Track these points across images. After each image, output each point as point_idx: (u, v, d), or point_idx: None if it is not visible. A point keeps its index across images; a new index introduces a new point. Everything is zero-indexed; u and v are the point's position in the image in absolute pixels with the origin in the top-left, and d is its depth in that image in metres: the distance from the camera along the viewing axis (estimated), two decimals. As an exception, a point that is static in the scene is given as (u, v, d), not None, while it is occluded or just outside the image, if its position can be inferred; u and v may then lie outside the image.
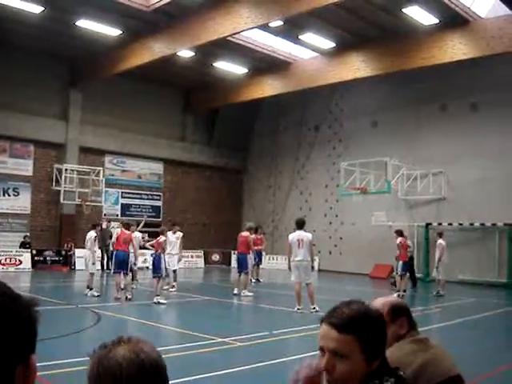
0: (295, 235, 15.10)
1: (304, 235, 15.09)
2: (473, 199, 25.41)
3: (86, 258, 17.99)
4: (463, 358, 4.80)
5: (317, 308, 14.14)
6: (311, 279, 15.37)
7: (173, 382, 6.93)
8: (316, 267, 31.03)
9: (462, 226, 25.58)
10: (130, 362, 1.43)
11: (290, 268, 15.32)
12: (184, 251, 30.85)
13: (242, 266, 18.65)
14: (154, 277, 16.32)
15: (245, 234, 19.22)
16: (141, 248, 20.02)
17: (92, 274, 17.42)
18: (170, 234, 18.64)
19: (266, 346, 10.55)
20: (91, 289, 17.05)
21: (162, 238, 16.45)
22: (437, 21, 21.39)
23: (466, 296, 20.19)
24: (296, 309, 14.71)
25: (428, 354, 2.94)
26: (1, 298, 1.14)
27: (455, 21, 21.05)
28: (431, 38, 22.12)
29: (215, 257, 33.41)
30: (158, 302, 15.45)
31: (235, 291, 18.33)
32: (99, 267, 23.77)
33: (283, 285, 20.52)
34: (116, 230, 18.13)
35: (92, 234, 18.09)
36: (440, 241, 20.30)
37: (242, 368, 8.85)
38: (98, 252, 21.93)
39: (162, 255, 16.21)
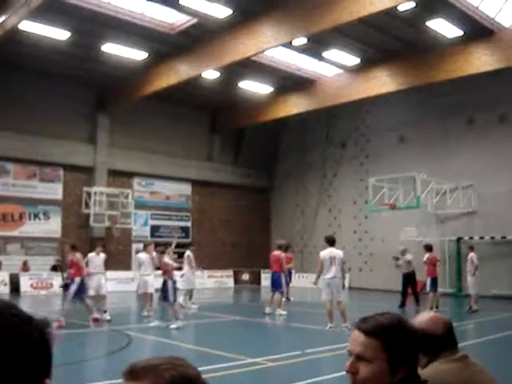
0: (327, 252, 14.99)
1: (336, 252, 15.00)
2: (504, 212, 25.05)
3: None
4: (500, 375, 4.68)
5: (349, 326, 13.99)
6: (342, 297, 15.25)
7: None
8: (346, 285, 30.84)
9: (493, 240, 25.21)
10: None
11: (315, 283, 15.28)
12: (214, 271, 31.24)
13: (277, 284, 18.54)
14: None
15: (276, 252, 19.14)
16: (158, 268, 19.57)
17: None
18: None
19: (299, 366, 10.43)
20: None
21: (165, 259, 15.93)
22: (461, 33, 21.26)
23: (499, 311, 19.82)
24: (328, 327, 14.57)
25: (466, 373, 2.86)
26: (9, 320, 1.08)
27: (480, 32, 20.91)
28: (456, 50, 21.99)
29: (245, 276, 33.33)
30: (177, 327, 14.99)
31: (267, 310, 18.22)
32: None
33: (314, 303, 20.35)
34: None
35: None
36: (471, 254, 19.98)
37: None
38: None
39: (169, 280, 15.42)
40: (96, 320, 15.54)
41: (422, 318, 3.06)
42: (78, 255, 15.93)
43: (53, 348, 1.14)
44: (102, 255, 17.34)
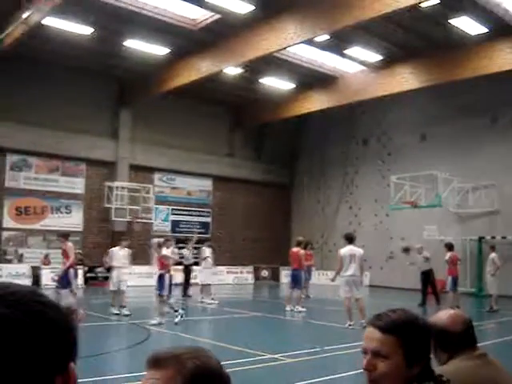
0: (347, 250, 14.98)
1: (356, 250, 15.01)
2: (527, 212, 24.82)
3: None
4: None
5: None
6: (361, 294, 15.22)
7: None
8: (367, 282, 30.75)
9: (516, 240, 25.00)
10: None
11: (333, 279, 15.31)
12: (233, 267, 31.33)
13: (296, 281, 18.56)
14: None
15: (295, 249, 19.14)
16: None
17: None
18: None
19: (317, 363, 10.43)
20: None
21: (163, 252, 15.62)
22: (485, 30, 21.05)
23: (521, 311, 19.64)
24: (347, 325, 14.55)
25: (485, 371, 2.85)
26: (40, 307, 1.11)
27: (504, 29, 20.65)
28: (480, 48, 21.78)
29: (264, 273, 33.36)
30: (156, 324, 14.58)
31: (287, 308, 18.24)
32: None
33: (333, 301, 20.30)
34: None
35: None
36: (493, 255, 19.82)
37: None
38: None
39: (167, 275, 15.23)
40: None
41: (442, 315, 3.06)
42: (70, 244, 15.95)
43: (78, 334, 1.17)
44: (126, 250, 17.25)
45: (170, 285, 15.13)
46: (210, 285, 20.79)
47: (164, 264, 15.35)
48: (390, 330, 2.15)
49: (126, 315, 15.89)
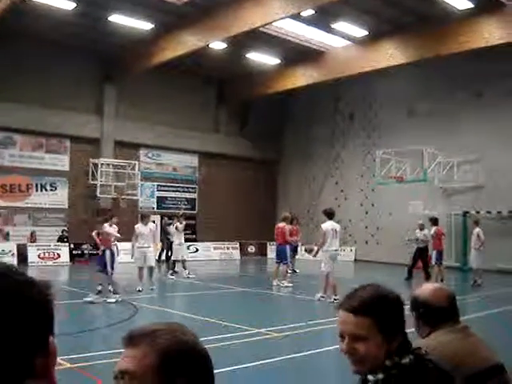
0: (329, 225, 15.07)
1: (336, 225, 15.21)
2: (511, 186, 24.96)
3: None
4: (505, 348, 4.71)
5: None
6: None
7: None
8: (353, 257, 30.97)
9: (500, 214, 25.18)
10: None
11: (315, 255, 15.74)
12: (220, 243, 31.38)
13: (281, 257, 18.68)
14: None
15: (281, 224, 19.23)
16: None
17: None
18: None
19: (302, 337, 10.51)
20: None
21: (105, 228, 15.36)
22: (471, 5, 21.00)
23: (504, 285, 19.84)
24: (320, 296, 14.95)
25: (466, 343, 2.87)
26: (11, 282, 1.11)
27: (490, 4, 20.63)
28: (466, 23, 21.72)
29: (251, 248, 33.47)
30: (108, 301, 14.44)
31: (274, 283, 18.37)
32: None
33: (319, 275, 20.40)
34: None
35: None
36: (477, 229, 19.94)
37: (278, 359, 8.83)
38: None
39: (108, 251, 14.98)
40: None
41: (426, 288, 3.07)
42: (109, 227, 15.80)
43: (54, 308, 1.17)
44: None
45: (112, 261, 14.86)
46: (184, 260, 21.07)
47: (104, 240, 15.21)
48: (364, 312, 2.15)
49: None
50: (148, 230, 16.85)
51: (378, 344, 2.14)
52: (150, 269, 16.90)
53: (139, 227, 16.87)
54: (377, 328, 2.13)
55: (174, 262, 21.52)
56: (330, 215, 15.38)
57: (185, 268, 20.82)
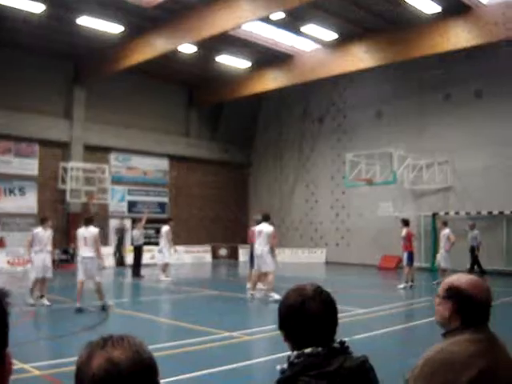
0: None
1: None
2: (479, 187, 25.30)
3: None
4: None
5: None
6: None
7: (180, 377, 6.90)
8: (323, 259, 31.11)
9: (469, 215, 25.49)
10: (134, 360, 1.39)
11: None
12: (191, 246, 31.32)
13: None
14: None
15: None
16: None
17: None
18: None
19: (274, 340, 10.52)
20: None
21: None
22: (439, 9, 21.24)
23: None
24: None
25: (488, 359, 2.56)
26: None
27: (457, 8, 20.91)
28: (434, 27, 21.97)
29: (223, 251, 33.44)
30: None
31: (248, 285, 18.34)
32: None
33: (291, 277, 20.47)
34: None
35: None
36: (446, 230, 20.15)
37: (250, 362, 8.84)
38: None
39: None
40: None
41: (465, 278, 2.79)
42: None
43: (8, 318, 1.12)
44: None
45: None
46: (168, 264, 21.88)
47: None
48: None
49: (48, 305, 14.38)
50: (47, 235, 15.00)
51: None
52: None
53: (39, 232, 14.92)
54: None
55: (137, 266, 22.39)
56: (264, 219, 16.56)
57: (164, 271, 21.46)
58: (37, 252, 14.56)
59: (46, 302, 14.36)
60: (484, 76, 25.28)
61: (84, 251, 14.02)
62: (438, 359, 2.56)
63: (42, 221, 15.35)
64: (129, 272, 23.72)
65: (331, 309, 2.28)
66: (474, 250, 23.00)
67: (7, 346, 1.13)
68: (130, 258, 25.56)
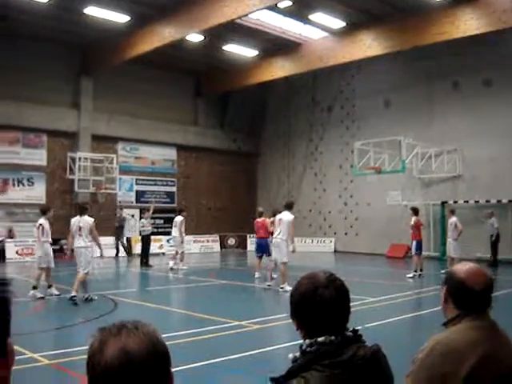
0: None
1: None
2: (488, 176, 25.16)
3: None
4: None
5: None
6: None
7: (190, 366, 6.90)
8: (332, 248, 31.10)
9: (478, 204, 25.37)
10: (147, 350, 1.38)
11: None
12: (199, 236, 31.36)
13: (264, 250, 18.73)
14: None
15: (260, 219, 19.28)
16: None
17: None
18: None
19: (283, 329, 10.52)
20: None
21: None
22: (448, -4, 21.09)
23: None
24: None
25: (488, 346, 2.57)
26: None
27: (466, -5, 20.74)
28: (443, 14, 21.79)
29: (231, 241, 33.46)
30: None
31: (256, 275, 18.38)
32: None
33: (301, 267, 20.46)
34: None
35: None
36: (453, 218, 20.02)
37: (260, 350, 8.84)
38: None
39: None
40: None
41: (465, 268, 2.79)
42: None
43: (11, 306, 1.10)
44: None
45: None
46: (183, 252, 22.09)
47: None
48: None
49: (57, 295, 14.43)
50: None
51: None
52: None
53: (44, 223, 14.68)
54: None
55: (146, 256, 22.53)
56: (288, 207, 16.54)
57: (181, 260, 21.67)
58: (44, 242, 14.50)
59: (55, 291, 14.42)
60: (493, 64, 25.08)
61: (78, 241, 13.85)
62: (437, 349, 2.57)
63: (44, 211, 15.08)
64: (125, 261, 23.82)
65: (344, 296, 2.24)
66: (493, 239, 23.13)
67: (9, 335, 1.10)
68: (137, 248, 25.61)
